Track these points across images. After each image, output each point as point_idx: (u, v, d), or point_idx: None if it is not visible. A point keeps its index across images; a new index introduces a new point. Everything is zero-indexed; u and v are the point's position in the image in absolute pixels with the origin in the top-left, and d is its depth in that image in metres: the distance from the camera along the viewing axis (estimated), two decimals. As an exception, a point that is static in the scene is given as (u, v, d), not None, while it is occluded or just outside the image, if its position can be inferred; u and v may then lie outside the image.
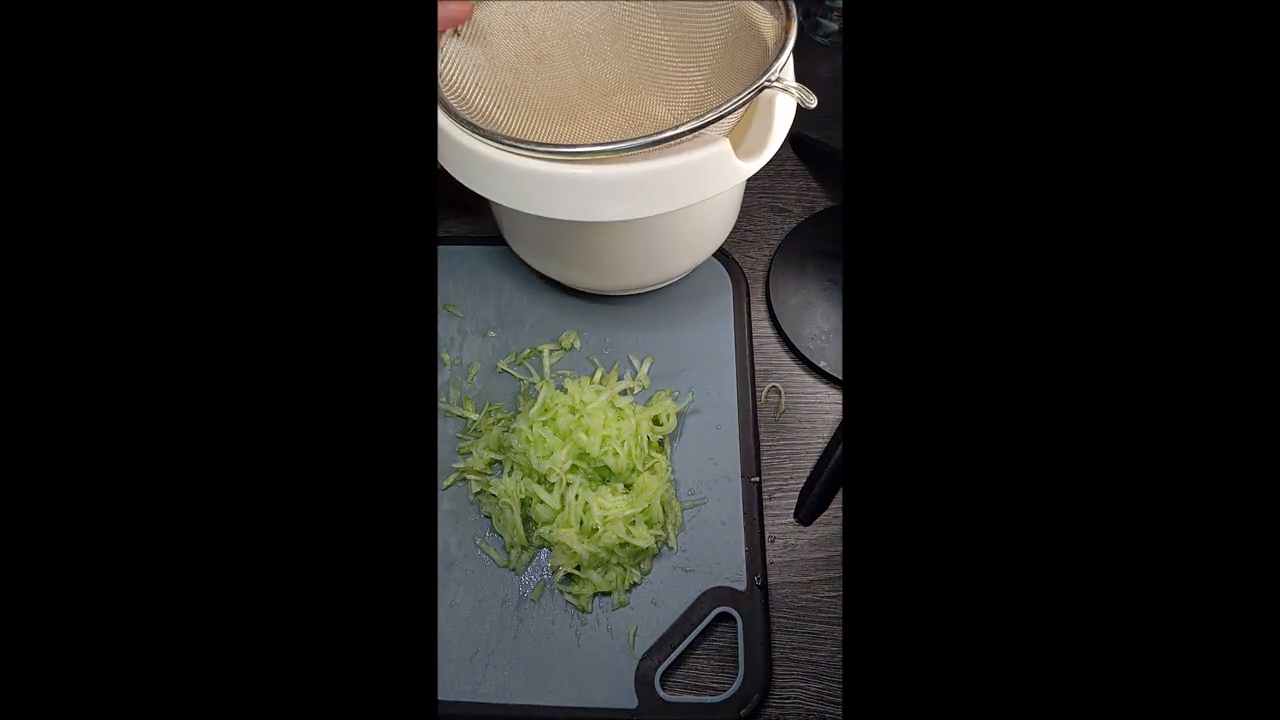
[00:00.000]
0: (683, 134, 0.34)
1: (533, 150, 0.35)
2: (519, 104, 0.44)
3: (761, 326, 0.49)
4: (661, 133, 0.34)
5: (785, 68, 0.36)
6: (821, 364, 0.47)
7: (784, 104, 0.38)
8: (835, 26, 0.63)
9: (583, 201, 0.36)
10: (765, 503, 0.43)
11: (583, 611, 0.39)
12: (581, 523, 0.39)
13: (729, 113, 0.34)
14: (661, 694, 0.37)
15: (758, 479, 0.43)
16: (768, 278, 0.50)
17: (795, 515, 0.42)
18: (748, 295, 0.49)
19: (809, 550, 0.41)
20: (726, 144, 0.36)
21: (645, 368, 0.46)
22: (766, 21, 0.40)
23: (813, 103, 0.35)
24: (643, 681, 0.37)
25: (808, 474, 0.44)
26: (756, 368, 0.47)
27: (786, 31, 0.37)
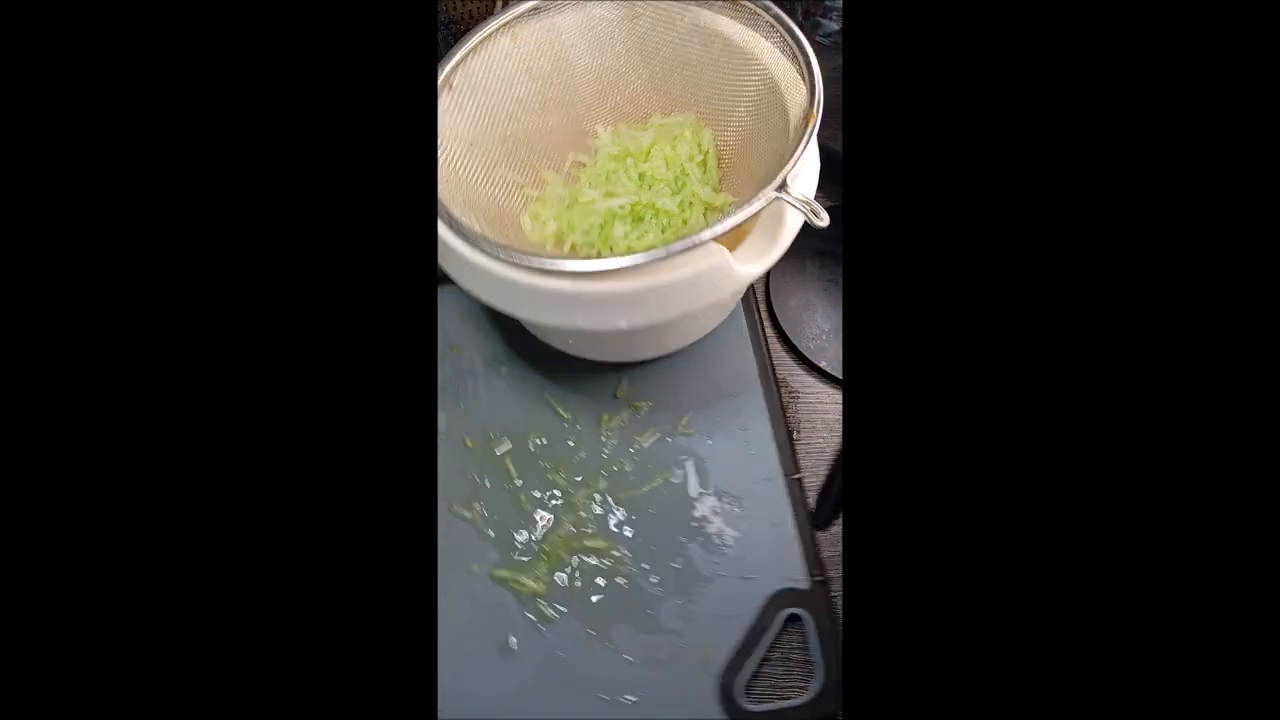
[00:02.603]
0: (675, 252, 0.32)
1: (523, 262, 0.34)
2: (517, 156, 0.44)
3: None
4: (654, 250, 0.32)
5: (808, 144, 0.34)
6: (822, 364, 0.47)
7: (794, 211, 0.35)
8: (835, 26, 0.62)
9: (571, 311, 0.35)
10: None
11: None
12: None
13: (727, 230, 0.32)
14: (748, 706, 0.36)
15: (799, 475, 0.43)
16: (768, 278, 0.51)
17: (812, 520, 0.42)
18: (755, 295, 0.50)
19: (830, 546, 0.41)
20: (725, 254, 0.34)
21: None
22: (795, 99, 0.38)
23: (823, 222, 0.32)
24: (726, 697, 0.36)
25: (806, 473, 0.43)
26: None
27: (807, 121, 0.35)
